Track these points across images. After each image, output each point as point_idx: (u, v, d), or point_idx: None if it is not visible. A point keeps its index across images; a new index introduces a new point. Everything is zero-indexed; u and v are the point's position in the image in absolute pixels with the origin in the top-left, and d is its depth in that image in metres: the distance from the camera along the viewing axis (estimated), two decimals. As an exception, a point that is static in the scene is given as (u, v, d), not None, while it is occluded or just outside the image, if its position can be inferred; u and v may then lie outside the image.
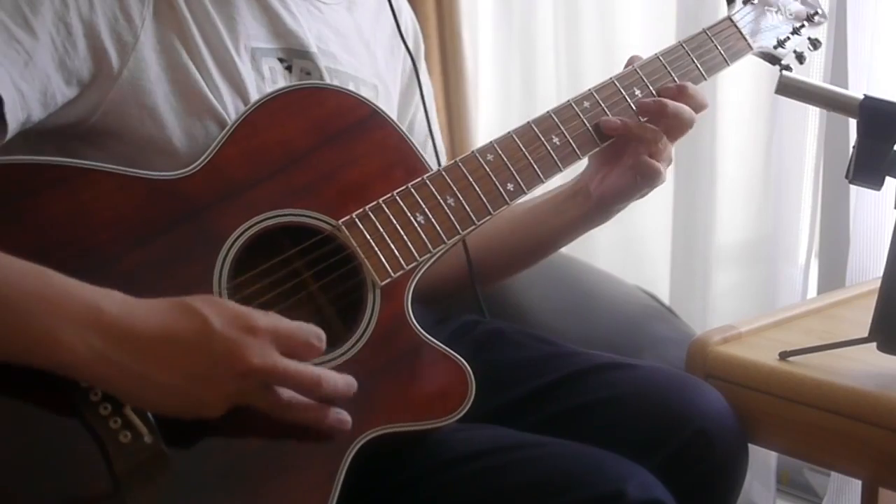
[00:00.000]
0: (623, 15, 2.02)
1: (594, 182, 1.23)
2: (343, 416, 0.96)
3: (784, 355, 1.15)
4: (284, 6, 1.15)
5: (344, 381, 0.95)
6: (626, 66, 1.23)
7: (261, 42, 1.13)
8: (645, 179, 1.19)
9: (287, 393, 0.92)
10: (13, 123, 0.97)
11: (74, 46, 1.01)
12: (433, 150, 1.32)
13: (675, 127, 1.18)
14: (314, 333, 0.92)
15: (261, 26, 1.13)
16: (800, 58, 1.32)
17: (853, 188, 1.60)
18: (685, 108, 1.18)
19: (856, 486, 1.57)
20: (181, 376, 0.87)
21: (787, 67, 1.30)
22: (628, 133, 1.17)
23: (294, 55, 1.15)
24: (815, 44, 1.33)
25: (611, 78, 1.20)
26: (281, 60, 1.14)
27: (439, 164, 1.26)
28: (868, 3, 1.56)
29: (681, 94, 1.19)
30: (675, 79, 1.21)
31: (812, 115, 1.71)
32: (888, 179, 1.09)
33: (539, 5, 2.14)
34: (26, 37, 0.98)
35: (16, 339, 0.86)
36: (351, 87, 1.17)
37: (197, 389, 0.88)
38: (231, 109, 1.08)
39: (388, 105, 1.15)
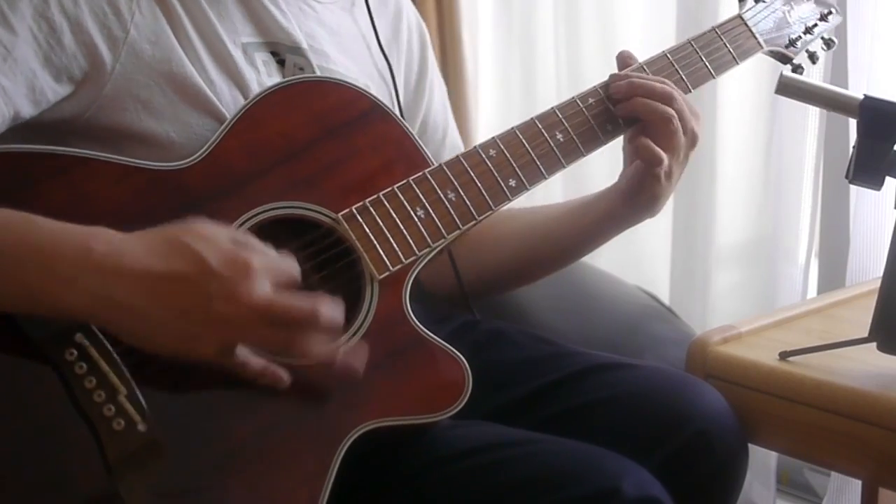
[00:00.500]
0: (623, 15, 2.02)
1: (620, 177, 1.23)
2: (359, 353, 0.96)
3: (784, 355, 1.15)
4: (275, 4, 1.15)
5: (339, 311, 0.93)
6: (618, 62, 1.22)
7: (250, 37, 1.13)
8: (645, 163, 1.17)
9: (286, 331, 0.91)
10: None
11: (60, 42, 1.01)
12: (450, 144, 1.34)
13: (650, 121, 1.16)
14: (295, 267, 0.93)
15: (249, 23, 1.13)
16: (812, 57, 1.31)
17: (853, 188, 1.60)
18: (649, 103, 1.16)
19: (856, 486, 1.57)
20: (177, 311, 0.87)
21: (799, 67, 1.29)
22: (637, 108, 1.16)
23: (286, 50, 1.15)
24: (828, 43, 1.32)
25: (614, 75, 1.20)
26: (274, 54, 1.14)
27: None
28: (868, 3, 1.56)
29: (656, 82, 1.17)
30: (683, 76, 1.21)
31: (812, 115, 1.70)
32: (888, 179, 1.09)
33: (539, 5, 2.14)
34: (3, 32, 0.98)
35: (13, 287, 0.87)
36: None
37: (191, 324, 0.88)
38: (229, 101, 1.08)
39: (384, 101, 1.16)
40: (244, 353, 0.91)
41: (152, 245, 0.89)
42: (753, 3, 1.29)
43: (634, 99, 1.16)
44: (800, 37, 1.30)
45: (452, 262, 1.27)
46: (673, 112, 1.15)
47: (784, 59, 1.30)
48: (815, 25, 1.31)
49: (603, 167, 1.60)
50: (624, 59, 1.22)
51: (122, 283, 0.87)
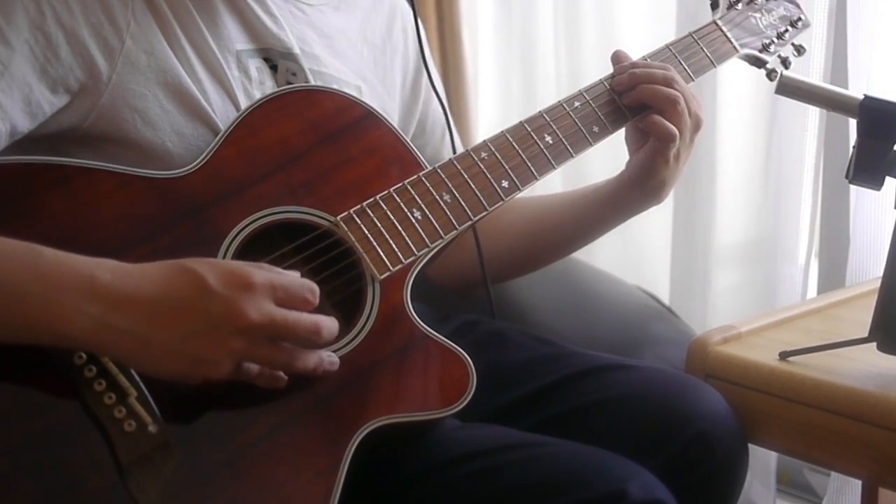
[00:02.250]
0: (623, 15, 2.02)
1: (627, 165, 1.25)
2: (332, 356, 0.97)
3: (784, 355, 1.15)
4: (265, 9, 1.15)
5: (335, 323, 0.95)
6: (613, 62, 1.24)
7: (243, 44, 1.13)
8: (659, 139, 1.19)
9: (289, 346, 0.92)
10: None
11: (56, 54, 1.01)
12: (450, 143, 1.34)
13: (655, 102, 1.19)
14: (308, 287, 0.92)
15: (242, 30, 1.13)
16: (785, 62, 1.34)
17: (853, 188, 1.60)
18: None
19: (856, 486, 1.57)
20: (181, 335, 0.87)
21: (773, 71, 1.31)
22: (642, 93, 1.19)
23: (279, 56, 1.15)
24: (799, 49, 1.35)
25: (600, 79, 1.22)
26: (266, 60, 1.14)
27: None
28: (868, 4, 1.56)
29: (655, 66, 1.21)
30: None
31: (812, 115, 1.70)
32: (888, 179, 1.09)
33: (539, 5, 2.14)
34: (0, 47, 0.98)
35: (12, 317, 0.86)
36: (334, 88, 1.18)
37: (197, 348, 0.88)
38: (219, 111, 1.09)
39: (374, 103, 1.17)
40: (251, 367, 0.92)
41: (154, 272, 0.89)
42: (726, 11, 1.31)
43: (639, 87, 1.19)
44: (772, 41, 1.32)
45: (481, 261, 1.27)
46: (678, 93, 1.18)
47: (758, 62, 1.33)
48: (786, 31, 1.34)
49: (604, 163, 1.59)
50: (619, 58, 1.24)
51: (124, 311, 0.87)
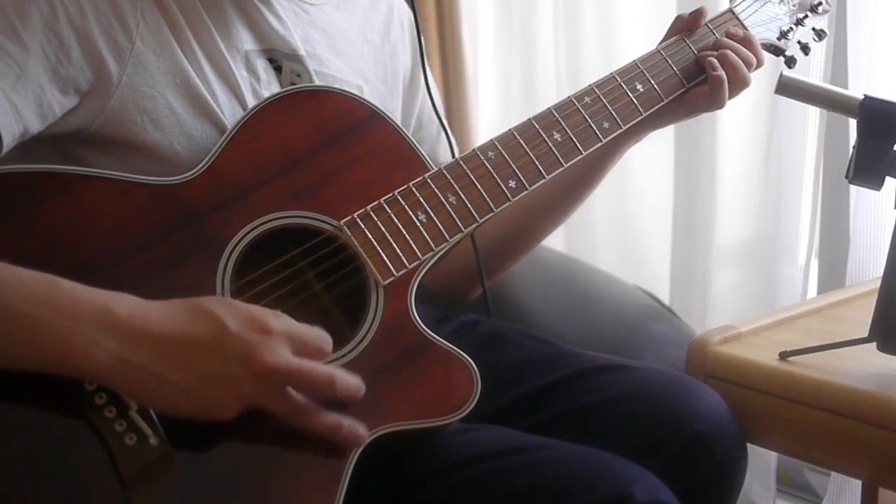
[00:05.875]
0: (623, 15, 2.02)
1: None
2: (358, 428, 0.95)
3: (784, 355, 1.15)
4: (271, 10, 1.15)
5: (356, 383, 0.95)
6: (671, 26, 1.25)
7: (250, 45, 1.13)
8: (712, 93, 1.22)
9: (302, 397, 0.92)
10: (8, 137, 0.97)
11: (67, 55, 1.00)
12: (446, 142, 1.32)
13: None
14: (323, 338, 0.93)
15: (249, 30, 1.13)
16: (804, 49, 1.32)
17: (853, 188, 1.60)
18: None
19: (856, 486, 1.57)
20: (196, 377, 0.87)
21: (792, 59, 1.30)
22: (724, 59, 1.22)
23: (283, 57, 1.15)
24: (819, 34, 1.33)
25: (612, 73, 1.20)
26: (271, 61, 1.14)
27: (453, 153, 1.26)
28: (868, 4, 1.56)
29: (745, 41, 1.23)
30: (677, 72, 1.22)
31: (812, 115, 1.70)
32: (888, 179, 1.09)
33: (539, 5, 2.14)
34: (17, 49, 0.98)
35: (27, 348, 0.86)
36: None
37: (211, 390, 0.88)
38: (228, 112, 1.08)
39: (376, 102, 1.16)
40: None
41: (173, 310, 0.89)
42: None
43: (723, 52, 1.22)
44: (791, 28, 1.31)
45: (477, 260, 1.26)
46: (751, 80, 1.22)
47: (777, 51, 1.31)
48: (806, 17, 1.32)
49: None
50: (703, 15, 1.25)
51: (142, 347, 0.86)
